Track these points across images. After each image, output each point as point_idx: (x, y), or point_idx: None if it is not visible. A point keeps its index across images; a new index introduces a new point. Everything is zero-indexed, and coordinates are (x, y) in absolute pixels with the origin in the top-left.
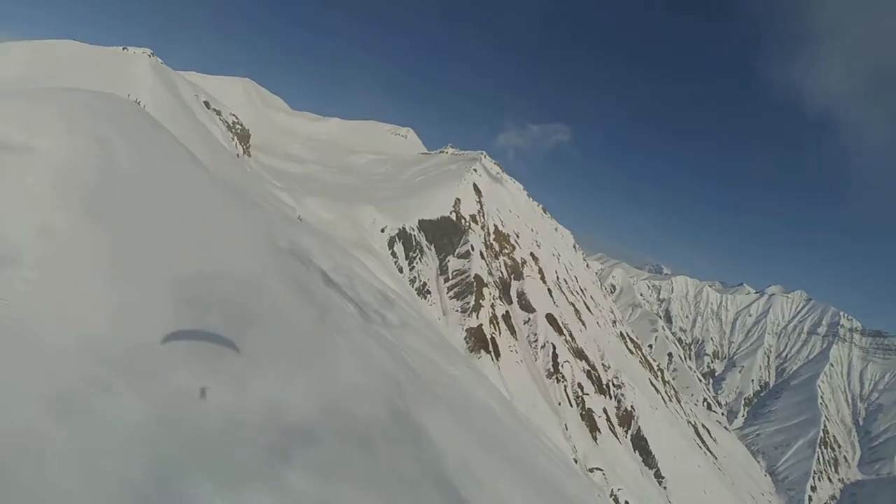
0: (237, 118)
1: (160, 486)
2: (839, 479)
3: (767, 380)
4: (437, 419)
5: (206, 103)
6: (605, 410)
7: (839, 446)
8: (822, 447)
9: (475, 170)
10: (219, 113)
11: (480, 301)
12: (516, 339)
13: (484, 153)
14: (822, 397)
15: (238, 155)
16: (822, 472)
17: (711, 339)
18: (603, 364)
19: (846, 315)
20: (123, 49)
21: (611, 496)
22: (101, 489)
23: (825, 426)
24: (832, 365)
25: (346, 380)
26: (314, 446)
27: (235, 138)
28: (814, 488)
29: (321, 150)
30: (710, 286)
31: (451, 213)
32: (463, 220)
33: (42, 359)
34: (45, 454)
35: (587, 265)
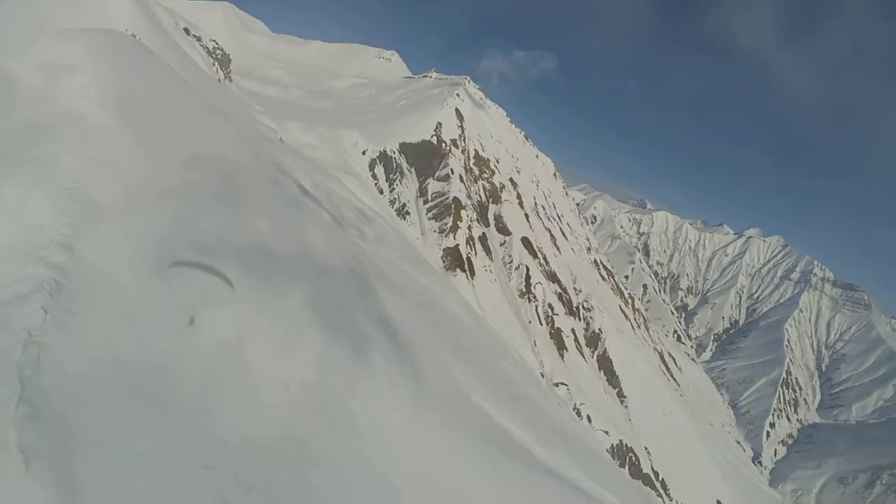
0: (217, 43)
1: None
2: (798, 420)
3: (738, 318)
4: (392, 298)
5: (186, 30)
6: (573, 331)
7: (800, 388)
8: (784, 387)
9: (458, 95)
10: (199, 39)
11: (458, 223)
12: (491, 260)
13: (468, 78)
14: (788, 340)
15: (219, 80)
16: (781, 411)
17: (687, 274)
18: (574, 288)
19: (820, 265)
20: None
21: (574, 410)
22: None
23: (789, 368)
24: (801, 311)
25: (316, 243)
26: (283, 267)
27: (216, 63)
28: (772, 425)
29: (303, 74)
30: (690, 224)
31: (431, 137)
32: (444, 144)
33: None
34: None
35: (566, 193)
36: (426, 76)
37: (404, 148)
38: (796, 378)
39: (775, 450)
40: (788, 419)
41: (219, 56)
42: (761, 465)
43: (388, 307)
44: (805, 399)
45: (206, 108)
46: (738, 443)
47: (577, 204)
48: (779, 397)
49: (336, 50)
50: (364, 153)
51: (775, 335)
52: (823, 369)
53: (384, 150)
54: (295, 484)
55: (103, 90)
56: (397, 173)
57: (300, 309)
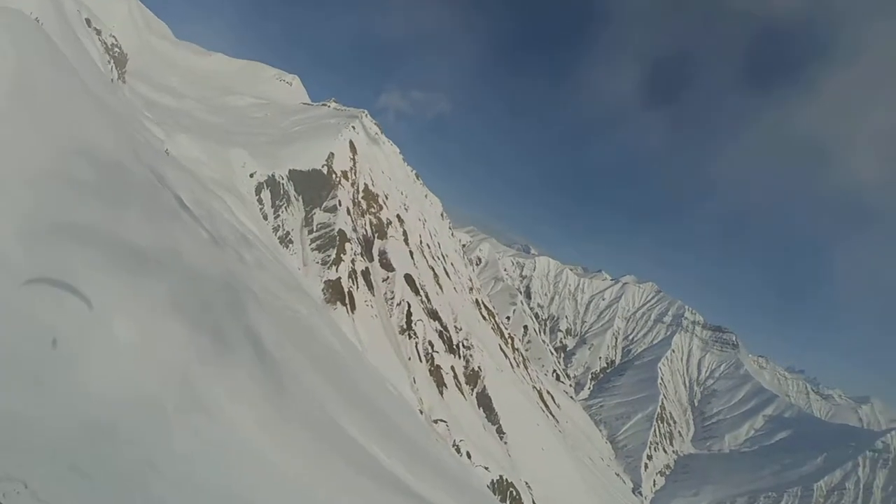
0: (116, 40)
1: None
2: (674, 451)
3: (614, 358)
4: (262, 317)
5: (88, 20)
6: (452, 368)
7: (675, 422)
8: (660, 422)
9: (353, 127)
10: (98, 32)
11: (342, 255)
12: (373, 295)
13: (365, 112)
14: (662, 378)
15: (112, 80)
16: (658, 444)
17: (566, 317)
18: (455, 326)
19: (690, 309)
20: None
21: (453, 446)
22: None
23: (663, 403)
24: (674, 351)
25: (190, 253)
26: (152, 265)
27: (112, 61)
28: (650, 457)
29: (200, 86)
30: (571, 269)
31: (322, 167)
32: (334, 175)
33: None
34: None
35: (452, 234)
36: (325, 105)
37: (294, 175)
38: (670, 413)
39: (654, 480)
40: (665, 451)
41: (116, 54)
42: (641, 495)
43: (256, 323)
44: (680, 432)
45: (94, 105)
46: (618, 475)
47: (463, 245)
48: (655, 431)
49: (237, 66)
50: (252, 175)
51: (650, 373)
52: (696, 404)
53: (273, 175)
54: (141, 451)
55: None
56: (284, 200)
57: (165, 300)
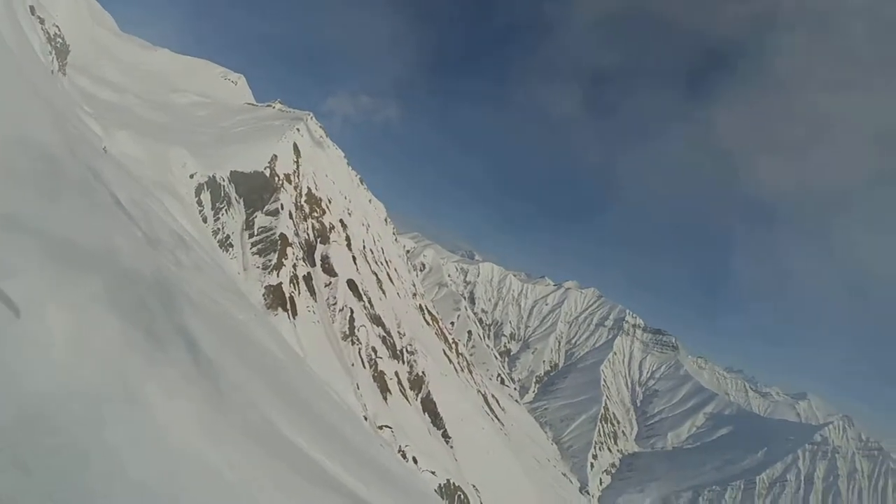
0: (59, 30)
1: None
2: (618, 451)
3: (557, 362)
4: (198, 319)
5: (32, 8)
6: (396, 374)
7: (618, 422)
8: (603, 422)
9: (298, 129)
10: (42, 21)
11: (283, 260)
12: (315, 301)
13: (311, 115)
14: (604, 380)
15: (53, 71)
16: (602, 443)
17: (510, 322)
18: (399, 332)
19: (631, 313)
20: None
21: (399, 452)
22: None
23: (606, 405)
24: (615, 354)
25: (123, 250)
26: (85, 258)
27: (53, 52)
28: (595, 457)
29: (143, 82)
30: (514, 275)
31: (265, 169)
32: (277, 178)
33: None
34: None
35: (396, 239)
36: (270, 106)
37: (235, 176)
38: (614, 413)
39: (600, 479)
40: (610, 450)
41: (58, 45)
42: (588, 493)
43: (192, 326)
44: (623, 431)
45: (31, 96)
46: (565, 475)
47: (408, 251)
48: (599, 431)
49: (182, 62)
50: (192, 176)
51: (592, 376)
52: (638, 404)
53: (213, 176)
54: (76, 444)
55: None
56: (224, 202)
57: (100, 294)
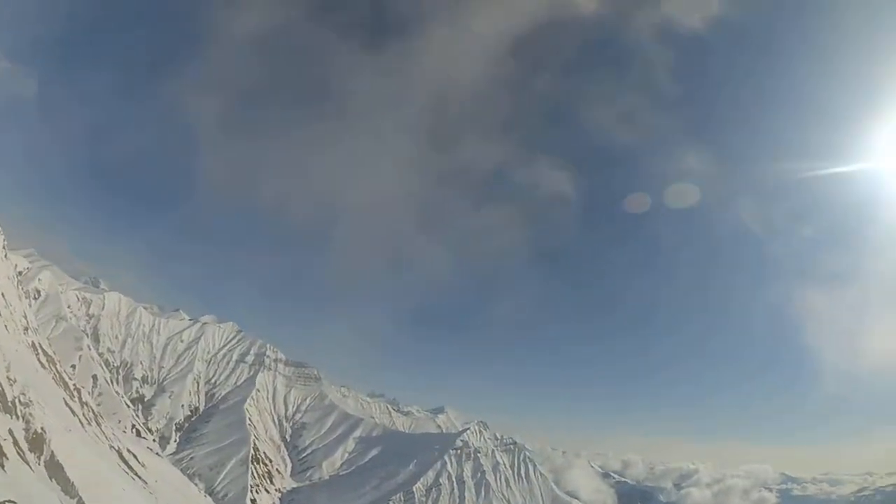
0: None
1: None
2: (276, 490)
3: (198, 405)
4: None
5: None
6: (10, 432)
7: (271, 461)
8: (255, 463)
9: None
10: None
11: None
12: None
13: None
14: (250, 419)
15: None
16: (258, 486)
17: (141, 362)
18: (9, 377)
19: (272, 347)
20: None
21: None
22: None
23: (255, 445)
24: (259, 390)
25: None
26: None
27: None
28: (254, 501)
29: None
30: (145, 308)
31: None
32: None
33: None
34: None
35: (6, 255)
36: None
37: None
38: (265, 452)
39: None
40: (267, 491)
41: None
42: None
43: None
44: (278, 469)
45: None
46: None
47: (20, 272)
48: (252, 473)
49: None
50: None
51: (237, 416)
52: (289, 439)
53: None
54: None
55: None
56: None
57: None
